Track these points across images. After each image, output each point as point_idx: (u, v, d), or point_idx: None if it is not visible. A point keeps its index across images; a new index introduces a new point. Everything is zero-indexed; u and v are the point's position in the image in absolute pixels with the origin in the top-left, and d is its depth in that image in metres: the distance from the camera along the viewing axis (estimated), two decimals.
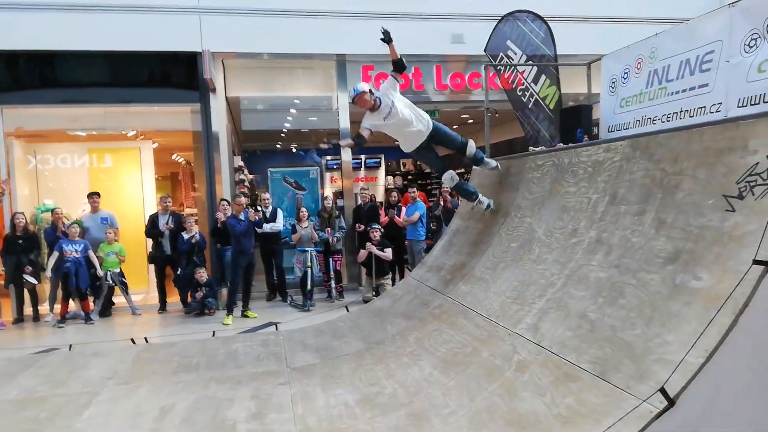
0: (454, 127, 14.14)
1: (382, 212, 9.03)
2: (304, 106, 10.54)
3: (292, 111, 10.92)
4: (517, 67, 8.07)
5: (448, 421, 3.37)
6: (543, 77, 7.90)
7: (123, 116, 8.99)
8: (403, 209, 8.85)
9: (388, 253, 8.10)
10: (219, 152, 8.82)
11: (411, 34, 9.15)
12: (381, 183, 13.21)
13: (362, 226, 8.59)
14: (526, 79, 8.05)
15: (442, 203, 8.74)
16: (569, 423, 2.79)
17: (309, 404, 4.03)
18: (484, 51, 8.26)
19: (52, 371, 5.22)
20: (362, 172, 13.05)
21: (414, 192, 9.05)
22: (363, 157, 12.89)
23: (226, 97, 9.09)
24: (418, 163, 17.69)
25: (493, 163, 5.63)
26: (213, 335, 6.20)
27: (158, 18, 8.39)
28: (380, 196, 12.21)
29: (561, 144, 6.33)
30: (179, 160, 12.63)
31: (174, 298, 8.26)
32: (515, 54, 8.00)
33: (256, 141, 11.91)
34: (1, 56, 8.08)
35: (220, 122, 8.83)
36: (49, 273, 7.63)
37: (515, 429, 2.94)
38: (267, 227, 8.29)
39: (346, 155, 9.52)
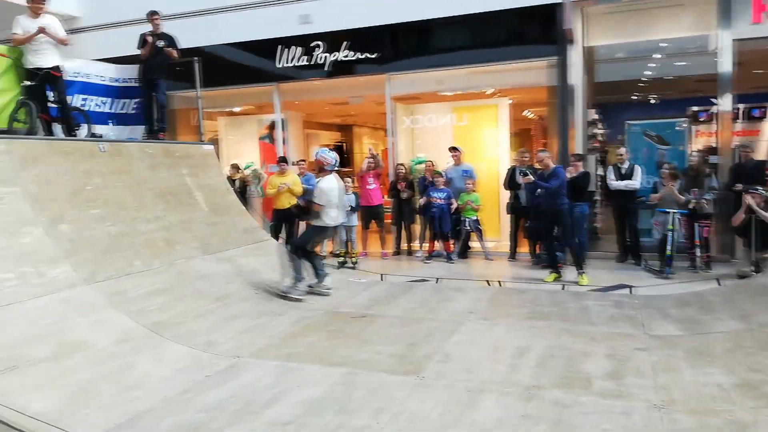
0: None
1: None
2: (672, 50, 9.30)
3: (656, 56, 9.78)
4: None
5: None
6: None
7: (483, 76, 9.48)
8: None
9: None
10: (574, 106, 8.60)
11: None
12: (766, 138, 10.75)
13: (741, 186, 7.19)
14: None
15: None
16: None
17: (673, 377, 3.71)
18: None
19: (423, 298, 6.14)
20: (739, 125, 10.81)
21: None
22: (741, 106, 10.66)
23: (583, 47, 8.72)
24: None
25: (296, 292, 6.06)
26: (563, 288, 6.24)
27: None
28: (763, 154, 9.98)
29: None
30: (530, 116, 12.86)
31: (524, 248, 8.56)
32: None
33: (612, 92, 11.12)
34: (386, 30, 9.44)
35: (576, 75, 8.56)
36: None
37: None
38: (621, 184, 7.76)
39: (724, 104, 8.06)
